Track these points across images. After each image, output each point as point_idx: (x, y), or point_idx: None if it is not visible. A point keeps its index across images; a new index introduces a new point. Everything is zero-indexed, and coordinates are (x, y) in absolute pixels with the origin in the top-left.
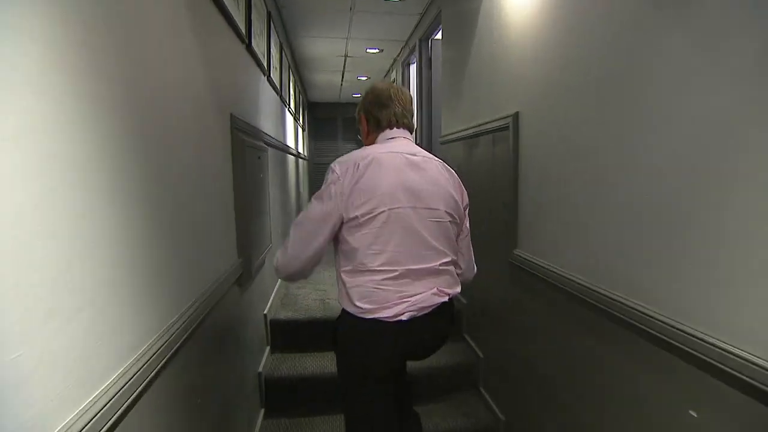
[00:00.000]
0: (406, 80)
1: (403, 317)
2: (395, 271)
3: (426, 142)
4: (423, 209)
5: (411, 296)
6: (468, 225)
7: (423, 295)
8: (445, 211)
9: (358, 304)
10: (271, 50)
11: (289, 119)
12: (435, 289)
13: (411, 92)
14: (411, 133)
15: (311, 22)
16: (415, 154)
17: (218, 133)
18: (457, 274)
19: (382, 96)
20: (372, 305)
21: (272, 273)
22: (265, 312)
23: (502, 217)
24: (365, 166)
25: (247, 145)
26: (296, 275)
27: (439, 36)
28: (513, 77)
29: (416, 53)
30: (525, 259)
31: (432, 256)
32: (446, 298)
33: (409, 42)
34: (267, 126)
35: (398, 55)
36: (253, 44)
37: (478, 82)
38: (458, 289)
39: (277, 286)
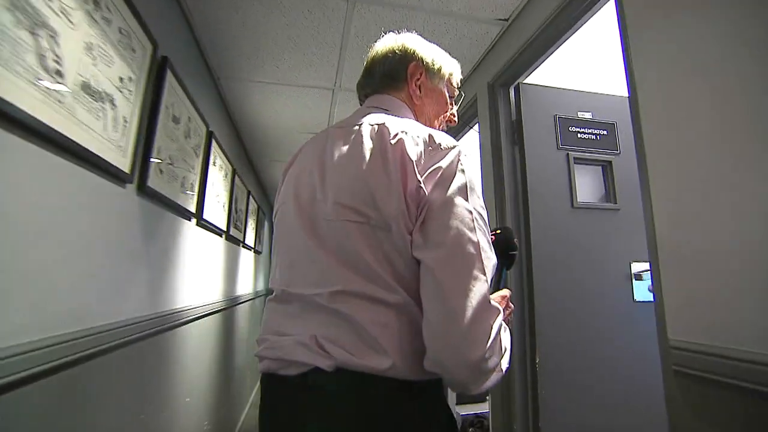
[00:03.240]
0: None
1: (261, 365)
2: (278, 289)
3: None
4: (318, 202)
5: (279, 335)
6: (448, 241)
7: (287, 339)
8: (337, 203)
9: None
10: None
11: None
12: (309, 336)
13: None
14: (387, 94)
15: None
16: (343, 126)
17: None
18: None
19: None
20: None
21: None
22: None
23: None
24: (294, 156)
25: None
26: None
27: (528, 80)
28: None
29: (484, 115)
30: None
31: (316, 277)
32: (329, 364)
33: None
34: None
35: None
36: None
37: None
38: (375, 364)
39: None
